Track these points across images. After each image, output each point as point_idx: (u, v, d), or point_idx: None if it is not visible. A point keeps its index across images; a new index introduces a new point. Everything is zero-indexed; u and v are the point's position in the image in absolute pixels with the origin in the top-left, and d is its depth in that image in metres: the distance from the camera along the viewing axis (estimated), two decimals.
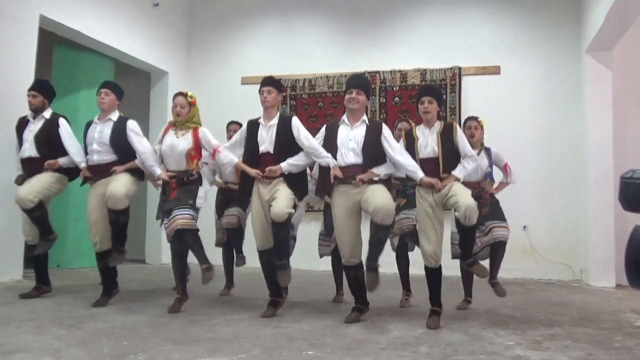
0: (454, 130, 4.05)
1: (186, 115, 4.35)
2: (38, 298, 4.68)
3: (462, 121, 7.04)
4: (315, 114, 7.67)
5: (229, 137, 5.07)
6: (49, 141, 4.68)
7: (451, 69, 7.32)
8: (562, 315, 4.46)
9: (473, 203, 3.77)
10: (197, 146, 4.32)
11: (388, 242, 4.38)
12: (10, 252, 5.40)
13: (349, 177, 3.92)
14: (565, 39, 7.09)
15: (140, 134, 4.55)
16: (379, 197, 3.84)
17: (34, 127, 4.74)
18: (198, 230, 4.28)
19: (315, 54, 7.94)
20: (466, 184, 4.45)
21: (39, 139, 4.68)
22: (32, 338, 3.31)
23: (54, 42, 6.96)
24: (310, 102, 7.80)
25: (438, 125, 4.07)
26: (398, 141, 4.15)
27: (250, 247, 4.48)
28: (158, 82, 8.11)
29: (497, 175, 4.82)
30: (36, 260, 4.79)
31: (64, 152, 4.69)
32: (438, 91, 4.32)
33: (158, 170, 4.34)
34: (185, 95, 4.37)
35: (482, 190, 4.56)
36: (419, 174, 3.91)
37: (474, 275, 4.37)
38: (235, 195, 4.67)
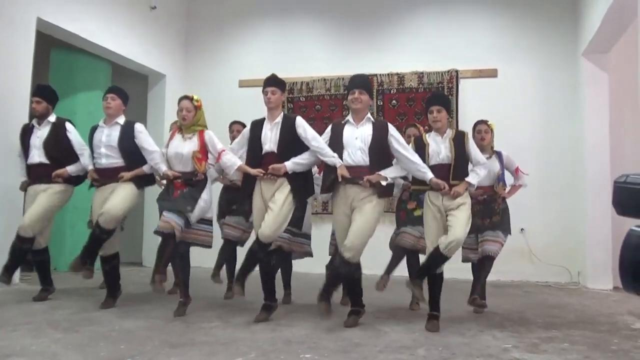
0: (466, 139, 4.08)
1: (192, 119, 4.34)
2: (44, 301, 4.70)
3: (459, 124, 7.10)
4: (313, 116, 7.67)
5: (232, 138, 5.09)
6: (58, 146, 4.70)
7: (448, 71, 7.33)
8: (559, 317, 4.46)
9: (462, 239, 3.83)
10: (203, 149, 4.31)
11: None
12: (7, 256, 5.37)
13: (356, 177, 3.89)
14: (562, 41, 7.11)
15: (147, 133, 4.59)
16: (360, 226, 3.84)
17: (41, 133, 4.73)
18: (175, 238, 4.14)
19: (313, 56, 7.95)
20: (480, 188, 4.48)
21: (48, 144, 4.68)
22: (29, 341, 3.31)
23: (52, 45, 6.95)
24: (307, 104, 7.80)
25: (450, 133, 4.08)
26: None
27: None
28: (155, 85, 8.11)
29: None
30: (38, 264, 4.80)
31: (72, 156, 4.70)
32: (446, 98, 4.34)
33: (163, 167, 4.34)
34: (191, 99, 4.36)
35: (494, 194, 4.57)
36: (429, 174, 3.92)
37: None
38: (239, 194, 4.65)
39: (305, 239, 4.90)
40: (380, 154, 3.97)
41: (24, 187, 4.76)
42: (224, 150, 4.28)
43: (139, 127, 4.57)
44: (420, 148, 4.09)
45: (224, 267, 5.24)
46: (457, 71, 7.30)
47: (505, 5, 7.40)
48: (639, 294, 1.13)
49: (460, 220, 3.87)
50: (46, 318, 4.00)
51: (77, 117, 6.62)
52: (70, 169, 4.70)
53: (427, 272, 3.99)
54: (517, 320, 4.29)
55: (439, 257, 3.89)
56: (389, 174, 3.94)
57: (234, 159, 4.24)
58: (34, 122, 4.82)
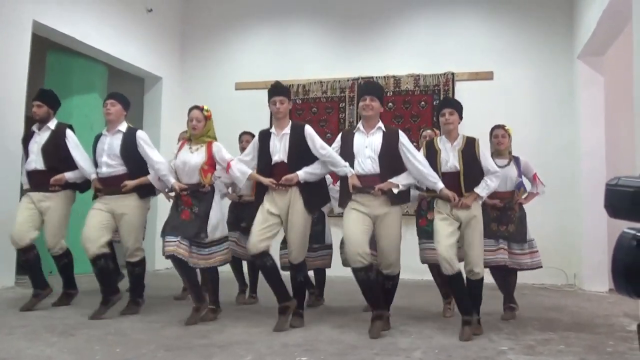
0: (476, 146, 4.00)
1: (202, 129, 4.25)
2: (67, 305, 4.71)
3: None
4: (309, 119, 7.67)
5: (242, 148, 5.02)
6: (56, 153, 4.60)
7: (444, 74, 7.35)
8: (555, 319, 4.47)
9: (478, 259, 3.87)
10: (211, 161, 4.21)
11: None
12: (2, 259, 5.37)
13: (367, 186, 3.84)
14: (558, 44, 7.14)
15: (151, 145, 4.50)
16: (389, 242, 3.89)
17: (40, 138, 4.65)
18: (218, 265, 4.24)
19: (309, 59, 7.96)
20: (498, 194, 4.44)
21: (46, 150, 4.60)
22: (25, 345, 3.30)
23: (47, 47, 6.94)
24: (304, 107, 7.81)
25: (460, 141, 4.01)
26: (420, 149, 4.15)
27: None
28: (152, 88, 8.10)
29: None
30: (30, 267, 4.68)
31: (71, 164, 4.61)
32: (459, 103, 4.27)
33: (172, 179, 4.24)
34: (201, 109, 4.28)
35: (511, 201, 4.55)
36: (439, 184, 3.87)
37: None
38: (248, 210, 4.61)
39: (327, 250, 4.91)
40: (391, 161, 3.90)
41: (25, 194, 4.69)
42: (232, 161, 4.18)
43: (141, 135, 4.49)
44: (432, 154, 4.03)
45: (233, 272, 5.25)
46: (453, 74, 7.32)
47: (501, 8, 7.42)
48: (631, 296, 1.13)
49: (475, 239, 3.88)
50: (42, 321, 3.99)
51: (73, 120, 6.59)
52: (69, 175, 4.61)
53: (478, 303, 3.95)
54: (513, 323, 4.30)
55: (473, 284, 3.91)
56: (401, 180, 3.88)
57: (244, 168, 4.17)
58: (35, 127, 4.74)
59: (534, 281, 6.66)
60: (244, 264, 5.16)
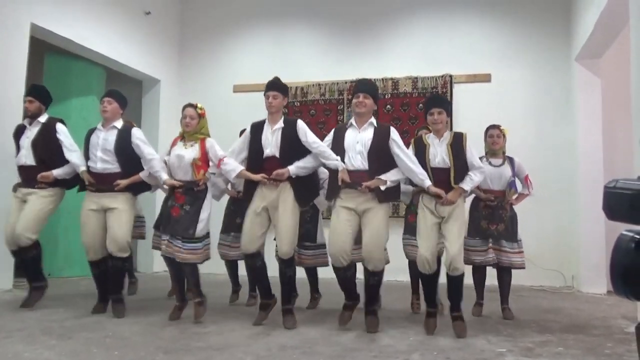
0: (464, 140, 4.06)
1: (195, 127, 4.33)
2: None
3: (453, 128, 7.12)
4: (308, 121, 7.49)
5: None
6: (47, 147, 4.60)
7: (442, 76, 7.36)
8: (553, 321, 4.48)
9: (458, 253, 3.84)
10: (204, 157, 4.28)
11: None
12: (0, 261, 5.35)
13: (355, 182, 3.89)
14: (555, 47, 7.15)
15: (146, 141, 4.54)
16: (373, 238, 3.89)
17: (31, 133, 4.66)
18: (200, 262, 4.27)
19: (307, 62, 7.96)
20: (490, 192, 4.55)
21: (36, 145, 4.60)
22: (22, 348, 3.29)
23: (46, 50, 6.94)
24: (302, 109, 7.81)
25: (448, 136, 4.07)
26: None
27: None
28: (150, 90, 8.09)
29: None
30: (27, 264, 4.66)
31: (61, 159, 4.60)
32: (446, 101, 4.36)
33: (164, 176, 4.30)
34: (195, 106, 4.36)
35: (503, 200, 4.60)
36: (427, 182, 3.91)
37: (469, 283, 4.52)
38: (246, 206, 4.59)
39: (320, 250, 4.88)
40: (381, 158, 3.94)
41: (15, 189, 4.69)
42: (224, 157, 4.23)
43: (136, 132, 4.53)
44: (421, 149, 4.08)
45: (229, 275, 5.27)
46: (451, 76, 7.33)
47: (498, 11, 7.43)
48: (629, 298, 1.14)
49: (453, 233, 3.88)
50: (40, 324, 3.98)
51: (71, 122, 6.56)
52: (57, 172, 4.59)
53: (458, 301, 3.96)
54: (511, 325, 4.30)
55: (453, 280, 3.91)
56: (389, 177, 3.92)
57: (234, 164, 4.19)
58: (26, 122, 4.75)
59: (532, 283, 6.67)
60: (243, 265, 5.14)
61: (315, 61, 7.94)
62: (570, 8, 6.98)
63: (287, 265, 4.09)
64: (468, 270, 4.74)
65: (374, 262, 3.93)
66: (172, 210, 4.19)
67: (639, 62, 3.92)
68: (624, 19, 5.23)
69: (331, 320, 4.31)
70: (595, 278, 6.27)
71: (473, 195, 4.72)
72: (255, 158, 4.18)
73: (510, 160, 4.76)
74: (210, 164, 4.30)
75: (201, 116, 4.37)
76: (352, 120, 4.12)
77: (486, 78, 7.34)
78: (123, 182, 4.39)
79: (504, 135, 4.74)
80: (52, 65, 7.13)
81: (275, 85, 4.22)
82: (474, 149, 4.12)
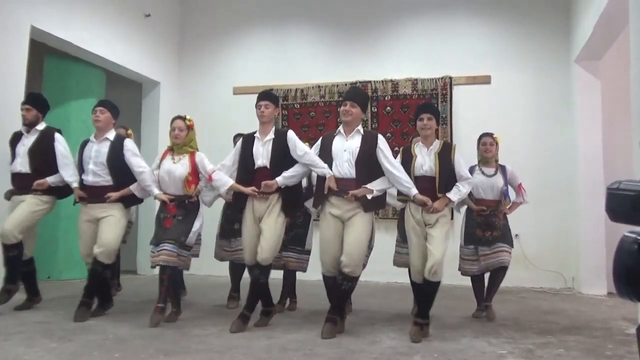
0: (452, 151, 4.06)
1: (184, 139, 4.35)
2: (28, 310, 4.64)
3: (453, 130, 7.13)
4: (307, 123, 7.68)
5: None
6: (43, 156, 4.59)
7: (442, 78, 7.36)
8: (554, 323, 4.47)
9: (441, 259, 3.81)
10: (194, 171, 4.31)
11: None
12: None
13: (342, 190, 3.90)
14: (555, 48, 7.15)
15: (137, 154, 4.54)
16: (354, 241, 3.87)
17: (28, 141, 4.65)
18: (181, 269, 4.37)
19: (307, 63, 7.96)
20: (484, 202, 4.57)
21: (33, 153, 4.59)
22: (22, 351, 3.28)
23: (45, 52, 6.93)
24: (302, 111, 7.81)
25: (437, 145, 4.07)
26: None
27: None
28: (150, 93, 8.09)
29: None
30: (24, 275, 4.68)
31: (56, 168, 4.61)
32: (437, 110, 4.38)
33: (156, 190, 4.34)
34: (183, 118, 4.39)
35: (496, 209, 4.62)
36: (413, 190, 3.91)
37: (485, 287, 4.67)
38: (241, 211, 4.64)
39: (306, 255, 4.89)
40: (369, 166, 3.95)
41: (8, 196, 4.65)
42: (215, 171, 4.26)
43: (128, 144, 4.54)
44: (407, 160, 4.09)
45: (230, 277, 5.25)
46: (450, 78, 7.34)
47: (498, 13, 7.44)
48: (632, 300, 1.13)
49: (437, 240, 3.86)
50: (40, 327, 3.98)
51: (71, 125, 6.63)
52: (51, 179, 4.59)
53: (428, 307, 3.94)
54: (512, 326, 4.29)
55: (430, 285, 3.89)
56: (376, 186, 3.93)
57: (225, 178, 4.22)
58: (23, 129, 4.74)
59: (532, 285, 6.67)
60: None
61: (315, 63, 7.94)
62: (570, 10, 6.99)
63: (262, 272, 4.08)
64: (464, 280, 4.78)
65: (352, 266, 3.87)
66: (165, 222, 4.26)
67: (639, 64, 3.91)
68: (624, 21, 5.23)
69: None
70: (596, 279, 6.26)
71: (465, 207, 4.75)
72: (246, 169, 4.19)
73: (503, 169, 4.77)
74: (201, 177, 4.34)
75: (190, 128, 4.40)
76: (340, 128, 4.14)
77: (486, 80, 7.34)
78: (114, 195, 4.41)
79: (496, 143, 4.76)
80: (52, 68, 7.13)
81: (266, 96, 4.27)
82: (462, 159, 4.11)
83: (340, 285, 3.95)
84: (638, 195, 1.12)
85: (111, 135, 4.53)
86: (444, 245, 3.89)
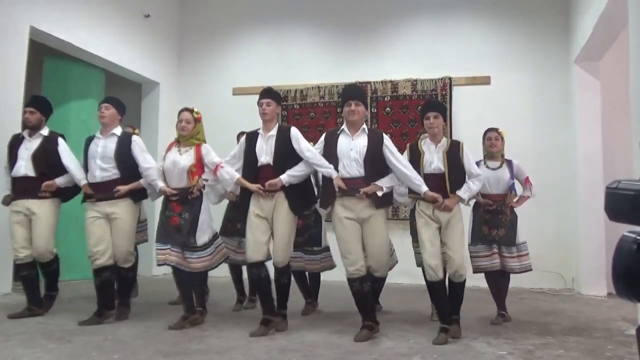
0: (461, 149, 4.04)
1: (191, 131, 4.29)
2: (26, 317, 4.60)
3: (452, 130, 7.13)
4: (307, 124, 7.68)
5: None
6: (48, 160, 4.56)
7: (442, 79, 7.35)
8: (554, 324, 4.47)
9: (462, 262, 3.84)
10: (199, 163, 4.24)
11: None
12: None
13: (352, 189, 3.86)
14: (554, 49, 7.16)
15: (144, 149, 4.51)
16: (380, 247, 3.92)
17: (31, 145, 4.59)
18: (212, 268, 4.33)
19: (307, 64, 7.96)
20: (489, 196, 4.53)
21: (37, 157, 4.55)
22: (21, 352, 3.28)
23: (45, 53, 6.93)
24: (301, 112, 7.81)
25: (445, 143, 4.04)
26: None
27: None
28: (149, 93, 8.09)
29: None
30: (25, 281, 4.59)
31: (61, 171, 4.58)
32: (443, 106, 4.33)
33: (160, 184, 4.27)
34: (191, 111, 4.33)
35: (503, 204, 4.59)
36: (423, 187, 3.88)
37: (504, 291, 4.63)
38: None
39: (326, 252, 4.88)
40: (376, 164, 3.93)
41: (7, 201, 4.60)
42: (221, 163, 4.21)
43: (137, 139, 4.51)
44: (415, 157, 4.06)
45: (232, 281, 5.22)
46: (450, 78, 7.33)
47: (498, 13, 7.44)
48: (632, 300, 1.13)
49: (455, 241, 3.88)
50: (39, 328, 3.97)
51: (71, 126, 6.63)
52: (59, 180, 4.58)
53: (457, 307, 3.96)
54: (511, 327, 4.29)
55: (456, 285, 3.91)
56: (385, 183, 3.91)
57: (232, 172, 4.19)
58: (25, 133, 4.68)
59: (532, 285, 6.67)
60: (244, 269, 5.13)
61: (314, 64, 7.94)
62: (569, 10, 6.99)
63: (281, 273, 4.10)
64: (477, 278, 4.75)
65: (382, 270, 4.00)
66: (171, 220, 4.17)
67: (638, 64, 3.91)
68: (623, 21, 5.24)
69: (331, 323, 4.31)
70: (596, 280, 6.26)
71: (474, 201, 4.71)
72: (249, 166, 4.17)
73: (509, 163, 4.73)
74: (206, 169, 4.28)
75: (197, 120, 4.34)
76: (344, 127, 4.08)
77: (486, 80, 7.34)
78: (123, 189, 4.35)
79: (502, 138, 4.72)
80: (51, 68, 7.12)
81: (268, 93, 4.23)
82: (471, 156, 4.10)
83: (371, 287, 3.96)
84: (637, 195, 1.11)
85: (118, 131, 4.50)
86: (462, 247, 3.92)
